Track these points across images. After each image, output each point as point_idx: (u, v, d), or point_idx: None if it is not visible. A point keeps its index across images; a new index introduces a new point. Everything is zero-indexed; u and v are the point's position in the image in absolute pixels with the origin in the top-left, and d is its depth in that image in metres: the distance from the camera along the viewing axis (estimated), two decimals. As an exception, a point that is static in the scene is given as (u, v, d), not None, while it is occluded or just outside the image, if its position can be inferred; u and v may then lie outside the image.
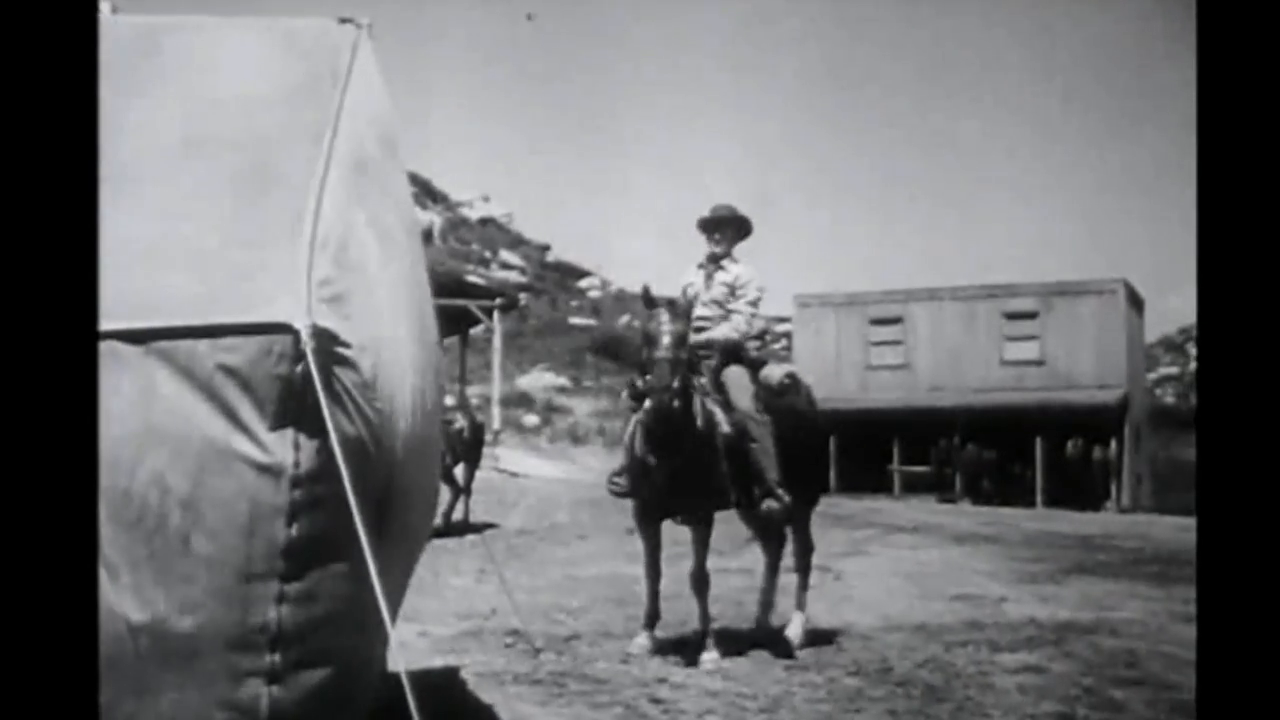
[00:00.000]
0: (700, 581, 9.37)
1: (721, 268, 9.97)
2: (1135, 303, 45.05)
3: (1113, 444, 40.66)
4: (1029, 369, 42.07)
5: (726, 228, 10.03)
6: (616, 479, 9.65)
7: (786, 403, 9.87)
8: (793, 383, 10.09)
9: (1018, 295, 43.47)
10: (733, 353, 9.83)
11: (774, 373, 10.02)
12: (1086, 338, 41.86)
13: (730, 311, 9.87)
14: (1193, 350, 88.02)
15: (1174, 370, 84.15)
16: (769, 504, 9.37)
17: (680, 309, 9.13)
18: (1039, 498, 38.99)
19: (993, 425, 39.70)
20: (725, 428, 9.26)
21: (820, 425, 10.87)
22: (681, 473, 9.03)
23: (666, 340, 8.81)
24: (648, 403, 8.98)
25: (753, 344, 10.19)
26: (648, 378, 8.92)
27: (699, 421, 9.10)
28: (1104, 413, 40.51)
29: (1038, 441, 39.81)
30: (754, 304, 9.98)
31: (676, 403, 8.86)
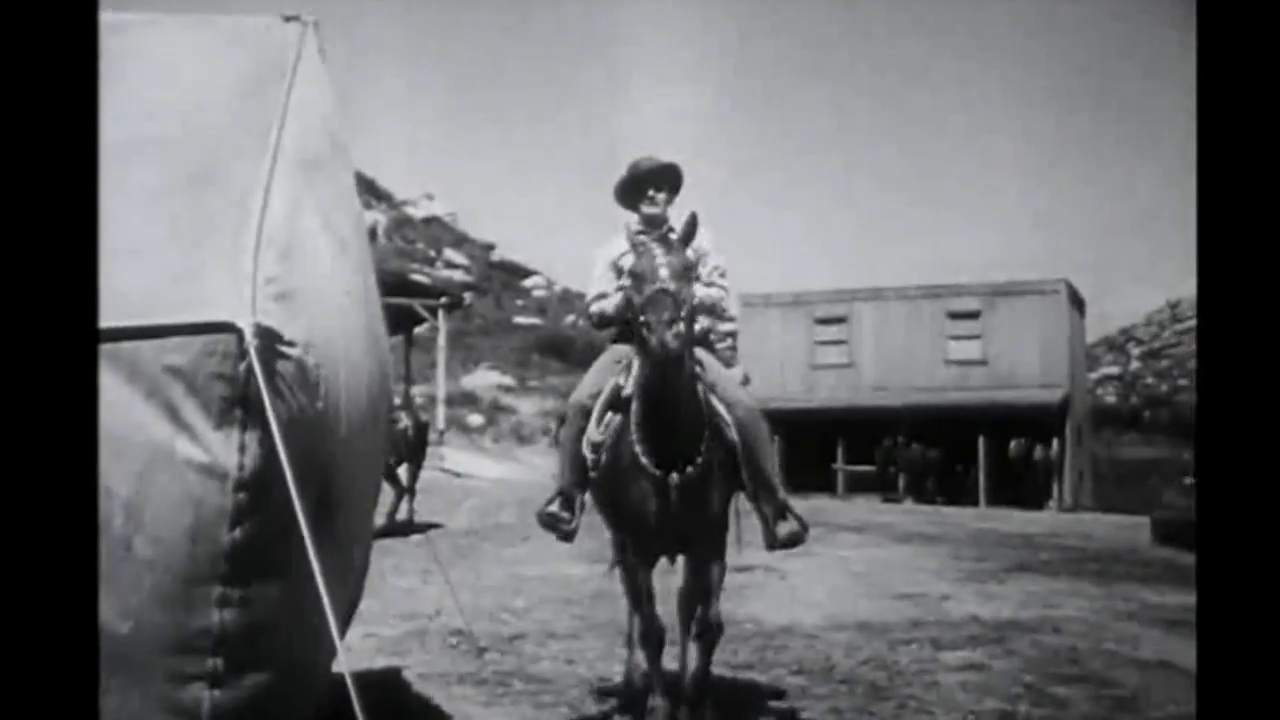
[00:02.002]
0: (710, 630, 7.21)
1: (671, 231, 7.15)
2: (1077, 303, 45.41)
3: (1055, 443, 40.95)
4: (972, 369, 42.32)
5: (664, 182, 7.58)
6: (560, 512, 7.08)
7: None
8: (747, 385, 7.81)
9: (961, 295, 43.71)
10: (703, 336, 7.45)
11: (732, 373, 7.74)
12: (1029, 338, 42.13)
13: (707, 285, 7.55)
14: (1133, 350, 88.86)
15: (1115, 370, 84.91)
16: (787, 526, 7.13)
17: (678, 241, 6.70)
18: (982, 497, 39.25)
19: (936, 424, 39.92)
20: (732, 431, 6.90)
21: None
22: (690, 491, 6.63)
23: (665, 272, 6.34)
24: (634, 369, 6.71)
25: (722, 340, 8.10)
26: (642, 318, 6.26)
27: (705, 419, 6.75)
28: (1046, 412, 40.79)
29: (981, 441, 40.05)
30: (724, 274, 7.73)
31: (686, 358, 6.44)
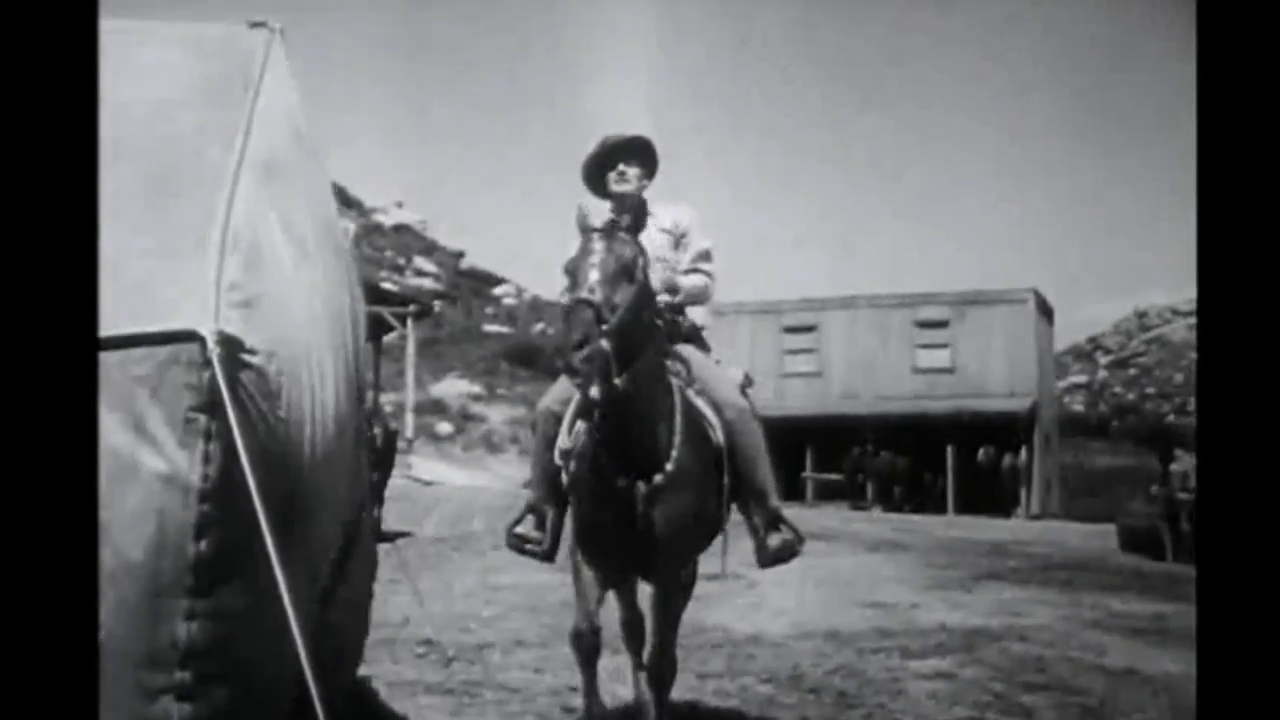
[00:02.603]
0: (663, 672, 6.54)
1: (649, 213, 6.41)
2: (1045, 312, 45.60)
3: (1023, 451, 41.10)
4: (940, 377, 42.43)
5: (634, 159, 6.73)
6: (529, 532, 6.55)
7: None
8: (751, 386, 7.03)
9: (930, 304, 43.84)
10: (692, 328, 6.92)
11: (730, 371, 6.99)
12: (997, 346, 42.29)
13: (688, 272, 6.82)
14: (1101, 359, 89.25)
15: (1083, 379, 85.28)
16: (779, 537, 6.49)
17: (626, 235, 5.89)
18: (950, 505, 39.37)
19: (905, 433, 40.02)
20: (718, 434, 6.27)
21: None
22: (660, 501, 5.92)
23: (595, 275, 5.54)
24: (573, 394, 5.95)
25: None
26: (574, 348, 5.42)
27: (678, 420, 6.03)
28: (1014, 420, 40.93)
29: (949, 449, 40.17)
30: (709, 259, 6.89)
31: (619, 381, 5.54)
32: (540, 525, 6.51)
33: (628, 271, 5.69)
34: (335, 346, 5.63)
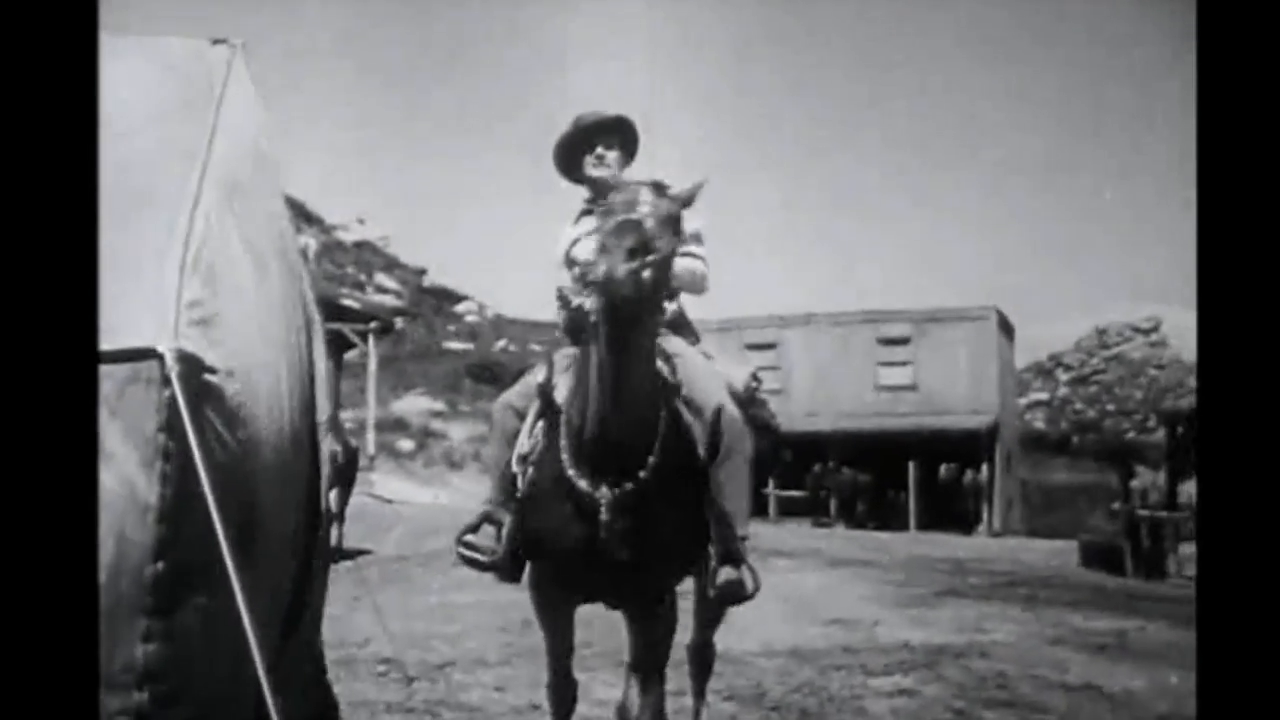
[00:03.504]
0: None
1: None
2: (1006, 330, 45.88)
3: (984, 468, 41.29)
4: (903, 394, 42.63)
5: (613, 138, 6.08)
6: (478, 540, 5.68)
7: (755, 417, 5.93)
8: (759, 388, 6.21)
9: (892, 321, 44.05)
10: (679, 316, 6.06)
11: (735, 373, 6.07)
12: (959, 364, 42.52)
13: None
14: (1062, 376, 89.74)
15: (1043, 396, 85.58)
16: (729, 574, 5.36)
17: (674, 195, 5.12)
18: (912, 521, 39.49)
19: (867, 450, 40.16)
20: (701, 448, 5.38)
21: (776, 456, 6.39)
22: (628, 513, 5.13)
23: (647, 209, 4.86)
24: (572, 365, 5.40)
25: None
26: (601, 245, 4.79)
27: (661, 426, 5.18)
28: (976, 437, 41.13)
29: (911, 466, 40.30)
30: (701, 241, 5.95)
31: (644, 301, 4.83)
32: (498, 536, 5.61)
33: (675, 223, 5.04)
34: (291, 364, 5.61)
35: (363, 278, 76.03)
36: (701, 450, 5.36)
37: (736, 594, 5.44)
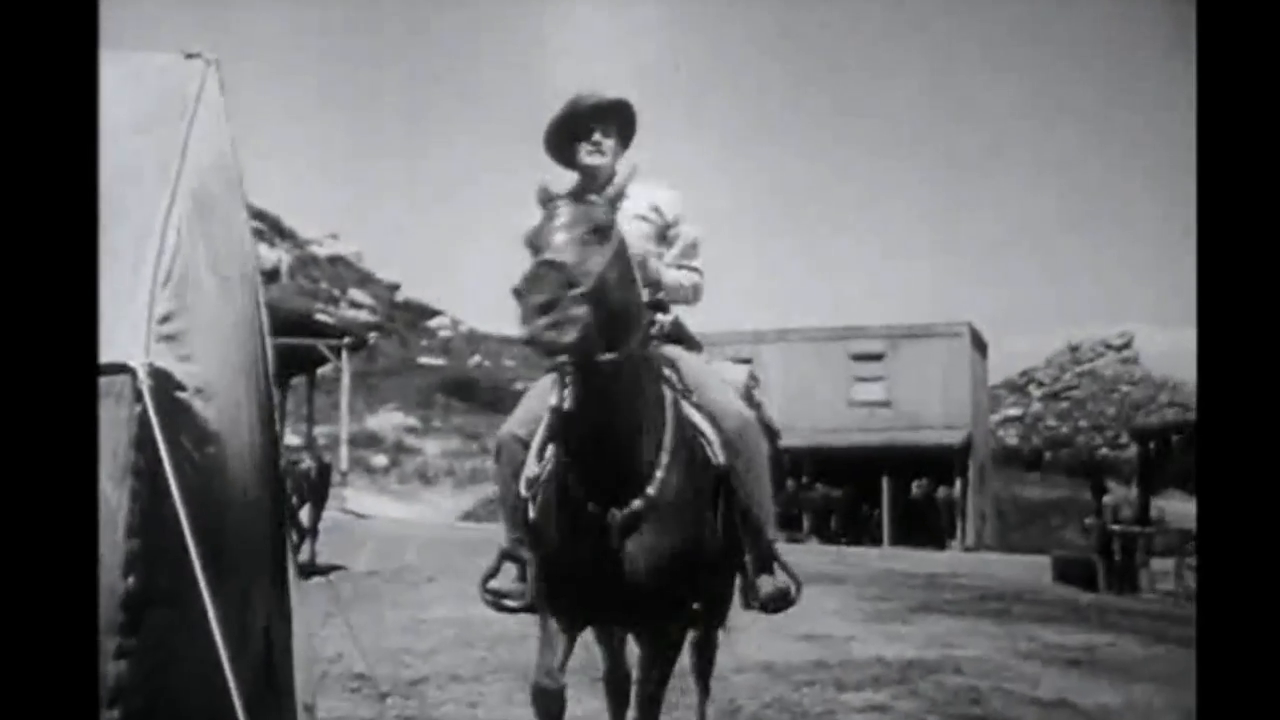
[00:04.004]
0: None
1: (624, 195, 5.09)
2: (979, 345, 45.99)
3: (957, 484, 41.37)
4: (876, 410, 42.67)
5: (611, 123, 5.62)
6: (507, 586, 5.54)
7: (759, 419, 5.70)
8: (758, 387, 6.04)
9: (865, 337, 44.11)
10: (677, 326, 5.74)
11: (731, 372, 5.95)
12: (932, 379, 42.58)
13: (677, 268, 5.69)
14: (1035, 392, 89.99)
15: (1016, 412, 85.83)
16: (772, 582, 5.49)
17: (602, 200, 4.87)
18: (886, 537, 39.53)
19: (841, 465, 40.17)
20: (718, 454, 5.20)
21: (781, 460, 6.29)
22: (638, 533, 4.92)
23: (563, 236, 4.56)
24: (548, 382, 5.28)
25: None
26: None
27: (668, 436, 5.00)
28: (949, 453, 41.20)
29: (884, 481, 40.36)
30: (697, 250, 5.78)
31: (606, 358, 4.61)
32: (521, 576, 5.41)
33: (603, 234, 4.67)
34: (252, 381, 5.60)
35: (336, 293, 75.89)
36: (717, 455, 5.20)
37: (787, 600, 5.50)
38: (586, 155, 5.54)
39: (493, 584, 5.50)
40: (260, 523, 5.66)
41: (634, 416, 4.88)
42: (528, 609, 5.39)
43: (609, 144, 5.56)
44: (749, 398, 5.71)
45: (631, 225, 5.22)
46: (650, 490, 4.88)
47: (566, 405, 4.89)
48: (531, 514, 5.22)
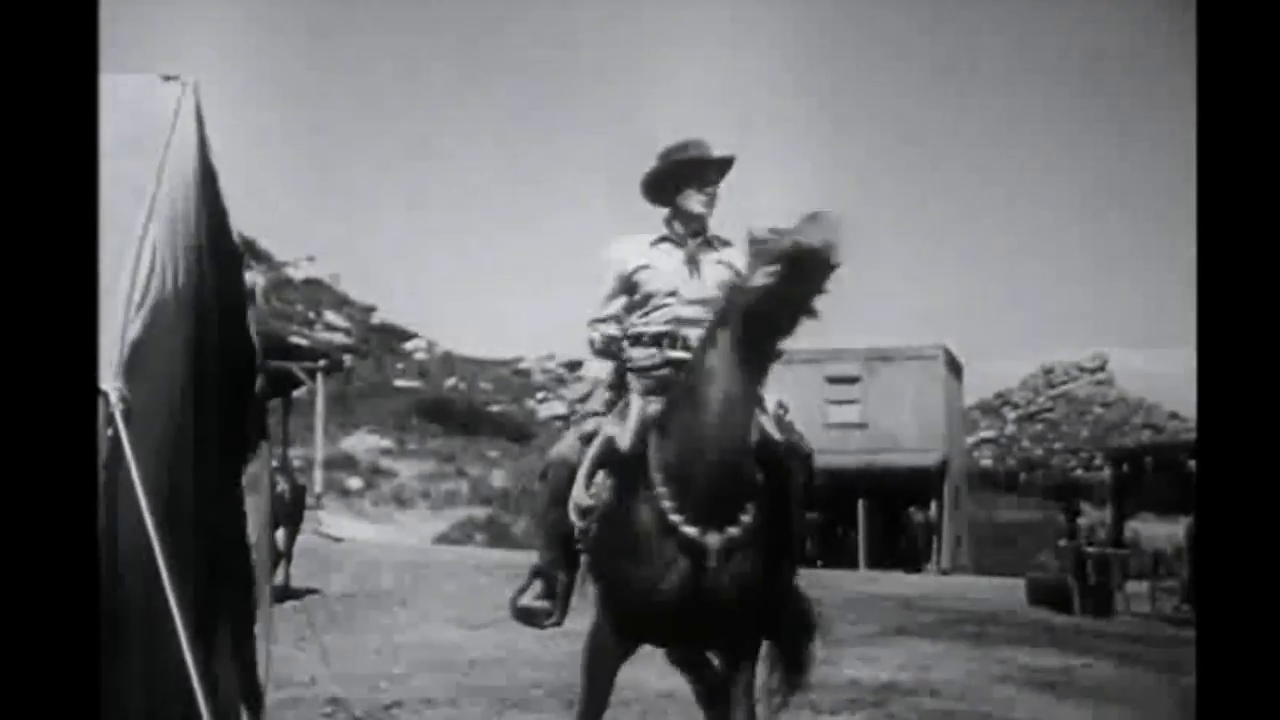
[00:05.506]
0: None
1: (712, 245, 5.87)
2: (954, 368, 46.14)
3: (933, 506, 41.45)
4: (851, 432, 42.69)
5: (719, 178, 5.93)
6: (536, 603, 5.73)
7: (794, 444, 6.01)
8: (787, 414, 6.27)
9: (840, 360, 44.14)
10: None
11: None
12: (907, 402, 42.68)
13: None
14: (1009, 414, 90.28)
15: (991, 434, 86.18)
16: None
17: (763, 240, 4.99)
18: (861, 559, 39.53)
19: (816, 487, 40.08)
20: (793, 479, 5.66)
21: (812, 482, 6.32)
22: (742, 545, 5.20)
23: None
24: (633, 412, 5.52)
25: None
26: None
27: (758, 470, 5.40)
28: (924, 475, 41.29)
29: (860, 504, 40.38)
30: None
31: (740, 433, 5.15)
32: (549, 592, 5.66)
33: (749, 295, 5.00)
34: (211, 405, 5.60)
35: (311, 315, 75.70)
36: (796, 482, 5.60)
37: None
38: (700, 203, 5.82)
39: (524, 601, 5.70)
40: (229, 541, 5.66)
41: (747, 440, 5.19)
42: (558, 626, 5.69)
43: (715, 192, 5.85)
44: (779, 422, 5.90)
45: (713, 270, 5.69)
46: (745, 517, 5.15)
47: (663, 416, 5.26)
48: (581, 543, 5.48)
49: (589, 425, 5.69)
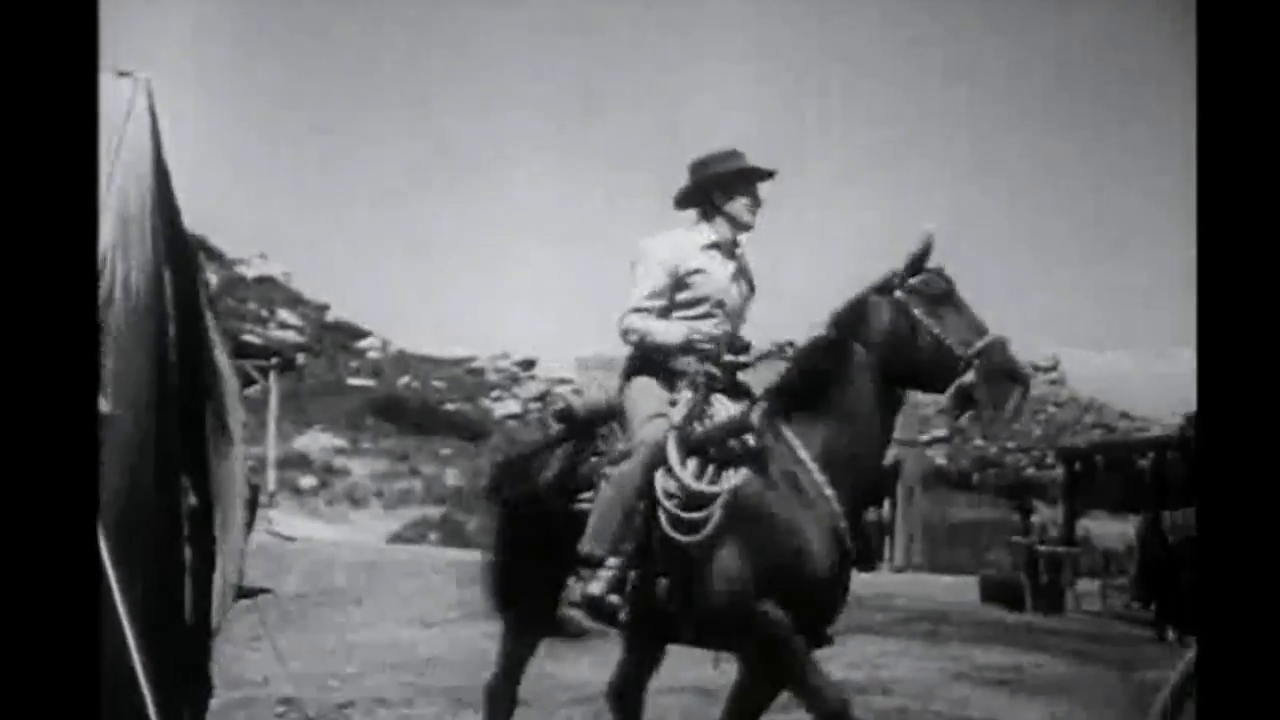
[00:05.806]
0: None
1: (739, 252, 6.26)
2: (908, 367, 46.26)
3: (886, 504, 41.54)
4: (805, 431, 42.74)
5: (759, 189, 6.22)
6: (606, 596, 5.68)
7: None
8: None
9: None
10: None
11: None
12: (861, 400, 42.74)
13: None
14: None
15: (944, 432, 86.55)
16: None
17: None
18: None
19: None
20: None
21: None
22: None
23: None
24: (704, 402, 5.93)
25: None
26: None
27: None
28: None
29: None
30: None
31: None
32: (617, 588, 5.66)
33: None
34: (166, 408, 5.57)
35: (264, 313, 75.24)
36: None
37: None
38: (748, 212, 6.12)
39: (592, 590, 5.68)
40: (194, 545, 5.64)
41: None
42: (623, 629, 6.07)
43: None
44: None
45: (748, 279, 6.28)
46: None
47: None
48: (671, 527, 5.56)
49: (746, 413, 6.00)
